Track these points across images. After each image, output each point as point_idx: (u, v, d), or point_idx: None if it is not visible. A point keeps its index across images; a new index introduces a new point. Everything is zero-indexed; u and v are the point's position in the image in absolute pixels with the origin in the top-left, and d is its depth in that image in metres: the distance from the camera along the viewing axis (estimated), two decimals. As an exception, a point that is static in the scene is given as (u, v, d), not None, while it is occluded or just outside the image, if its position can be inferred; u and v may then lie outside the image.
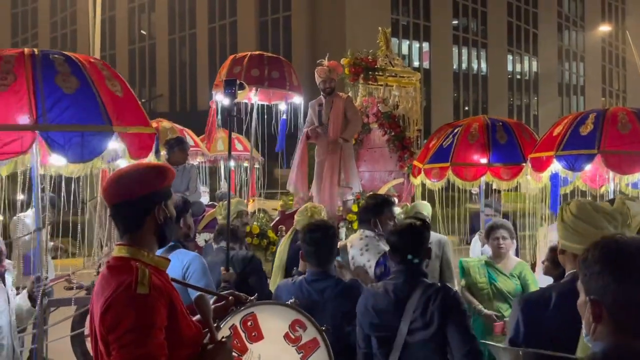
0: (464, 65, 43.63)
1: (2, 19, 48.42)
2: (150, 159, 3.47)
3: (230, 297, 2.24)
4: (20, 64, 3.17)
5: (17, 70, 3.13)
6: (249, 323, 2.41)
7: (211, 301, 2.14)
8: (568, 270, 2.12)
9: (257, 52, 6.86)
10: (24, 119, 3.06)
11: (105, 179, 6.49)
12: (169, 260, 2.06)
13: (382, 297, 2.61)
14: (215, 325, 2.02)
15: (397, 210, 6.42)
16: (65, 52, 3.49)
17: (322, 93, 6.27)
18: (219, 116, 6.58)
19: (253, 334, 2.42)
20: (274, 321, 2.49)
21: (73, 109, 3.14)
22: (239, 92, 3.32)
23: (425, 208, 4.65)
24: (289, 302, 2.67)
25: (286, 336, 2.51)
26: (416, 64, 40.50)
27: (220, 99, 6.57)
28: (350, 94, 6.93)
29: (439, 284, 2.70)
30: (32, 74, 3.13)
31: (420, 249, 2.66)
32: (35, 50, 3.41)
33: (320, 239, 2.96)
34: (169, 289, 1.86)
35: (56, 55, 3.34)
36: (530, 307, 2.05)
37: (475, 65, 44.24)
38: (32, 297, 3.45)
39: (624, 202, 2.13)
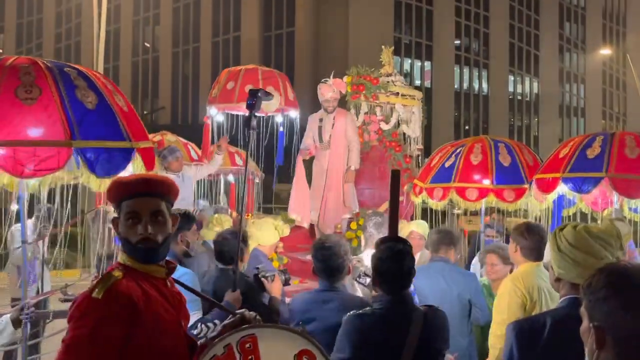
0: (466, 85, 43.86)
1: (7, 29, 48.77)
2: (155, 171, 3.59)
3: (237, 316, 2.17)
4: (41, 76, 3.15)
5: (40, 83, 3.11)
6: (246, 345, 2.07)
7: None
8: (562, 296, 2.08)
9: (252, 66, 6.79)
10: (58, 135, 3.06)
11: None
12: (165, 268, 2.03)
13: (380, 328, 2.51)
14: (206, 340, 1.98)
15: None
16: (72, 64, 3.49)
17: (323, 109, 6.29)
18: (214, 131, 6.56)
19: (249, 357, 2.06)
20: (277, 348, 2.10)
21: (98, 124, 3.19)
22: (265, 102, 3.15)
23: (421, 227, 4.61)
24: (298, 328, 2.38)
25: None
26: (418, 82, 40.72)
27: (215, 113, 6.58)
28: (352, 110, 6.93)
29: (433, 306, 2.66)
30: (56, 87, 3.13)
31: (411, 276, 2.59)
32: (45, 61, 3.40)
33: (329, 256, 2.99)
34: (148, 296, 1.85)
35: (69, 68, 3.34)
36: (524, 333, 2.01)
37: (476, 85, 44.49)
38: (17, 321, 3.40)
39: (614, 224, 2.12)
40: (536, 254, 3.23)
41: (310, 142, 6.38)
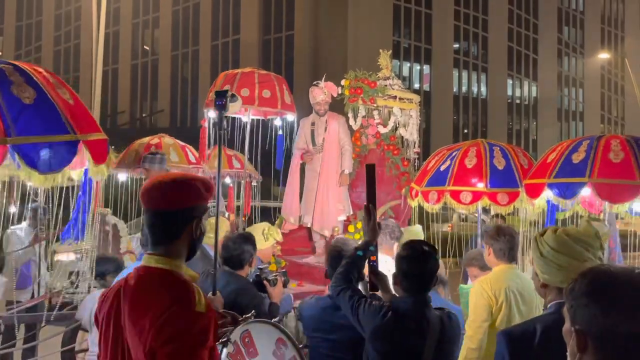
0: (464, 89, 43.94)
1: (7, 31, 48.81)
2: (105, 164, 3.46)
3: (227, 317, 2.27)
4: None
5: None
6: (246, 340, 2.60)
7: None
8: (549, 302, 2.11)
9: (249, 69, 6.77)
10: None
11: (97, 191, 6.50)
12: (199, 275, 2.09)
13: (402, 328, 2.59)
14: (222, 341, 2.17)
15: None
16: (8, 61, 3.40)
17: (314, 112, 6.34)
18: (211, 133, 6.58)
19: (250, 350, 2.60)
20: (264, 338, 2.68)
21: (37, 119, 3.10)
22: (230, 104, 3.16)
23: (417, 234, 4.65)
24: (273, 321, 2.84)
25: (274, 353, 2.71)
26: (417, 86, 40.79)
27: (212, 116, 6.59)
28: (350, 114, 6.96)
29: (445, 309, 2.72)
30: None
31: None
32: None
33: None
34: None
35: (3, 65, 3.26)
36: (515, 340, 2.02)
37: (475, 89, 44.56)
38: None
39: (591, 224, 2.15)
40: (508, 255, 3.36)
41: (303, 145, 6.41)
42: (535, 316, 2.63)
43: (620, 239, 5.28)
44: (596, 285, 1.36)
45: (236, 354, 2.53)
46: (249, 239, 3.54)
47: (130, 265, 2.88)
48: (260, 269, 3.63)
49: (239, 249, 3.44)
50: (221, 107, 3.13)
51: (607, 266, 1.43)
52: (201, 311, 1.72)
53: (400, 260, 2.66)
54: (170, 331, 1.67)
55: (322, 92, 6.24)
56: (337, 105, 7.01)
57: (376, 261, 3.01)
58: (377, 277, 2.96)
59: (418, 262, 2.61)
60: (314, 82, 6.36)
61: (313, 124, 6.36)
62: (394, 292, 2.87)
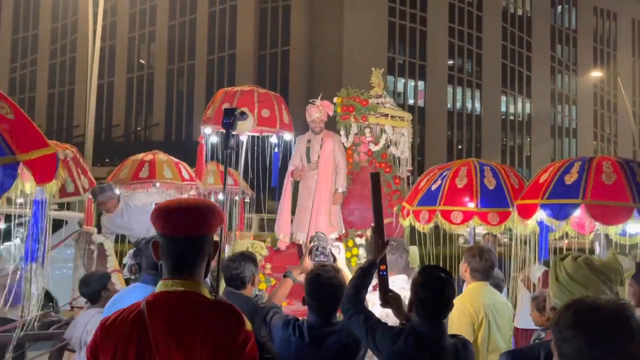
0: (459, 105, 44.21)
1: (2, 44, 48.85)
2: (54, 181, 3.20)
3: None
4: None
5: None
6: None
7: None
8: None
9: (248, 87, 6.79)
10: None
11: (89, 207, 6.46)
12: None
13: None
14: None
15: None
16: None
17: (310, 129, 6.37)
18: (208, 150, 6.58)
19: None
20: None
21: None
22: (240, 122, 3.14)
23: (413, 255, 4.63)
24: None
25: None
26: (411, 102, 41.03)
27: (209, 133, 6.60)
28: (342, 131, 6.97)
29: (459, 335, 2.66)
30: None
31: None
32: None
33: (326, 297, 2.86)
34: None
35: None
36: None
37: (469, 105, 44.84)
38: None
39: (617, 257, 2.12)
40: (485, 276, 3.57)
41: (298, 163, 6.44)
42: (537, 341, 2.61)
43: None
44: (581, 317, 1.36)
45: None
46: (250, 257, 3.42)
47: (133, 290, 2.68)
48: (257, 295, 3.57)
49: (239, 267, 3.32)
50: (229, 126, 3.07)
51: (592, 298, 1.43)
52: (249, 329, 1.77)
53: (416, 286, 2.59)
54: (227, 349, 1.70)
55: (317, 110, 6.28)
56: (329, 122, 7.03)
57: (386, 270, 2.90)
58: (389, 293, 2.86)
59: (435, 288, 2.55)
60: (310, 100, 6.39)
61: (309, 141, 6.39)
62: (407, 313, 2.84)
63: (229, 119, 3.01)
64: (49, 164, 3.19)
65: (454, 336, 2.64)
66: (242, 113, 3.13)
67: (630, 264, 4.47)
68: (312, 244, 3.58)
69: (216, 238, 1.97)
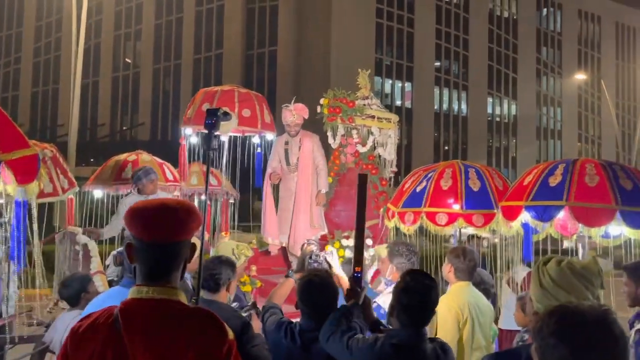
0: (445, 106, 44.44)
1: (-14, 41, 48.27)
2: (34, 182, 3.18)
3: None
4: None
5: None
6: None
7: None
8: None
9: (228, 87, 6.73)
10: None
11: (71, 208, 6.38)
12: None
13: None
14: None
15: (372, 251, 6.44)
16: None
17: (287, 133, 6.32)
18: (191, 151, 6.53)
19: None
20: None
21: None
22: (223, 123, 2.99)
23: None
24: None
25: None
26: (398, 103, 41.16)
27: (189, 134, 6.55)
28: (329, 132, 6.96)
29: (441, 341, 2.62)
30: None
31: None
32: None
33: (317, 302, 2.83)
34: None
35: None
36: None
37: (455, 107, 45.10)
38: None
39: (596, 260, 2.12)
40: (468, 276, 3.67)
41: (277, 165, 6.37)
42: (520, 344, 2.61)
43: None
44: (564, 325, 1.35)
45: None
46: (229, 262, 3.30)
47: (116, 294, 2.60)
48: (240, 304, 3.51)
49: (216, 268, 3.20)
50: (211, 127, 2.95)
51: (575, 304, 1.42)
52: (231, 338, 1.71)
53: (399, 292, 2.53)
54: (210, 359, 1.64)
55: (291, 115, 6.21)
56: (316, 124, 7.01)
57: (361, 272, 2.87)
58: (359, 291, 2.81)
59: (419, 295, 2.49)
60: (284, 105, 6.34)
61: (287, 143, 6.33)
62: (378, 319, 2.81)
63: (212, 119, 2.92)
64: (30, 165, 3.18)
65: (432, 340, 2.61)
66: (226, 113, 3.03)
67: (608, 266, 4.52)
68: (305, 249, 3.55)
69: (194, 239, 1.92)
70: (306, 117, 6.37)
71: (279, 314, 2.99)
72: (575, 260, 2.09)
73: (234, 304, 3.48)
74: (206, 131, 3.03)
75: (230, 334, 1.71)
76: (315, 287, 2.81)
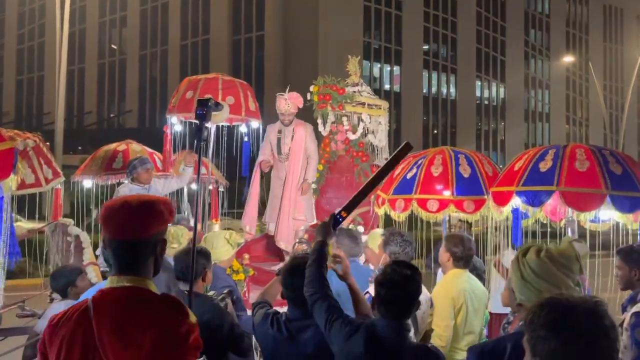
0: (434, 90, 44.45)
1: (-32, 28, 47.43)
2: (11, 176, 3.13)
3: None
4: None
5: None
6: None
7: None
8: (521, 319, 2.08)
9: (213, 75, 6.65)
10: None
11: (57, 199, 6.32)
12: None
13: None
14: None
15: (364, 238, 6.46)
16: None
17: (281, 122, 6.25)
18: (177, 140, 6.48)
19: None
20: None
21: None
22: (214, 113, 2.94)
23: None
24: None
25: None
26: (387, 86, 41.08)
27: (174, 122, 6.49)
28: (319, 120, 6.93)
29: (428, 345, 2.58)
30: None
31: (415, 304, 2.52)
32: None
33: (301, 286, 2.77)
34: None
35: None
36: (486, 357, 2.03)
37: (444, 90, 45.12)
38: None
39: (572, 245, 2.14)
40: (466, 264, 3.74)
41: (269, 153, 6.32)
42: (507, 334, 2.62)
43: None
44: (555, 317, 1.36)
45: None
46: (202, 252, 3.34)
47: (95, 287, 2.64)
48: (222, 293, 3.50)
49: (189, 260, 3.16)
50: (202, 117, 2.89)
51: (565, 297, 1.43)
52: (193, 322, 1.77)
53: (379, 284, 2.49)
54: (169, 341, 1.70)
55: (285, 103, 6.16)
56: (306, 111, 6.97)
57: (344, 218, 2.84)
58: (331, 230, 2.78)
59: (398, 287, 2.44)
60: (279, 93, 6.28)
61: (280, 131, 6.28)
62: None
63: (203, 110, 2.86)
64: (6, 159, 3.16)
65: (422, 345, 2.54)
66: (217, 104, 3.01)
67: (584, 249, 4.57)
68: (296, 248, 3.54)
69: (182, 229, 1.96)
70: (300, 106, 6.31)
71: (269, 307, 2.98)
72: (552, 247, 2.10)
73: (227, 289, 3.50)
74: (191, 120, 3.00)
75: (192, 318, 1.77)
76: (298, 269, 2.79)
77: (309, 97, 6.71)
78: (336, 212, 2.86)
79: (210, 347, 2.78)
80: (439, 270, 5.35)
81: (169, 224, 3.72)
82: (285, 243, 6.12)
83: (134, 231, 1.83)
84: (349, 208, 2.86)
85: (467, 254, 3.70)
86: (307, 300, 2.65)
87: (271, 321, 2.82)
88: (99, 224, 1.89)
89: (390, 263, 2.66)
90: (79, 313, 1.79)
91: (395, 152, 2.95)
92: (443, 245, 3.82)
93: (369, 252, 4.25)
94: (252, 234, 6.25)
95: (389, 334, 2.43)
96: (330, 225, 2.80)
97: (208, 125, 4.55)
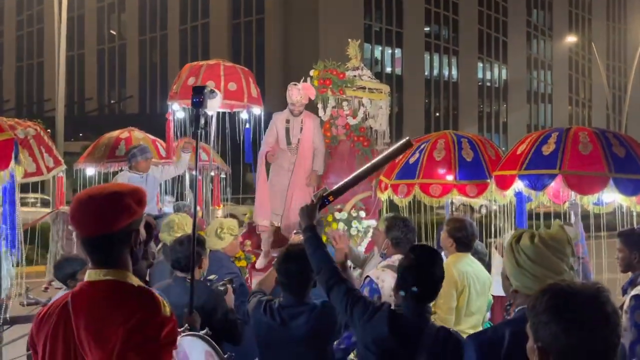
0: (436, 72, 44.19)
1: (-34, 15, 47.16)
2: (12, 166, 3.16)
3: None
4: None
5: None
6: (180, 354, 2.56)
7: None
8: (517, 305, 2.10)
9: (214, 61, 6.60)
10: None
11: (60, 187, 6.32)
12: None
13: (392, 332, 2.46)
14: None
15: (365, 223, 6.45)
16: None
17: (290, 111, 6.09)
18: (177, 127, 6.45)
19: None
20: (195, 351, 2.62)
21: None
22: (210, 100, 2.97)
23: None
24: (201, 333, 2.70)
25: None
26: (388, 69, 40.85)
27: (176, 109, 6.45)
28: (319, 104, 6.87)
29: (450, 329, 2.58)
30: None
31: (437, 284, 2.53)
32: None
33: (294, 272, 2.81)
34: None
35: None
36: (485, 346, 2.02)
37: (446, 72, 44.86)
38: None
39: (563, 229, 2.13)
40: (468, 247, 3.77)
41: (273, 141, 6.16)
42: (504, 320, 2.63)
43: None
44: (557, 302, 1.37)
45: None
46: (198, 240, 3.31)
47: None
48: (208, 279, 3.50)
49: (187, 250, 3.24)
50: (198, 105, 2.93)
51: (568, 283, 1.44)
52: (167, 315, 1.73)
53: (403, 270, 2.50)
54: (140, 336, 1.67)
55: (299, 94, 5.98)
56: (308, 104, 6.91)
57: (330, 202, 2.88)
58: (314, 214, 2.77)
59: (422, 272, 2.46)
60: (293, 83, 6.13)
61: (287, 121, 6.12)
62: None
63: (199, 97, 2.90)
64: (5, 150, 3.14)
65: (444, 328, 2.54)
66: (212, 91, 3.03)
67: (575, 232, 4.57)
68: (293, 238, 3.55)
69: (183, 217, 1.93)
70: (312, 98, 6.15)
71: (262, 296, 3.00)
72: (544, 232, 2.09)
73: (229, 276, 3.57)
74: (190, 107, 3.01)
75: (167, 311, 1.74)
76: (291, 256, 2.83)
77: (308, 82, 6.65)
78: (324, 194, 2.87)
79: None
80: (442, 254, 5.35)
81: (176, 215, 3.69)
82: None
83: (100, 227, 1.76)
84: (337, 192, 2.90)
85: (471, 237, 3.73)
86: (323, 288, 2.65)
87: (264, 308, 2.85)
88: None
89: (414, 247, 2.66)
90: (59, 309, 1.78)
91: (395, 146, 2.98)
92: (445, 230, 3.83)
93: (378, 234, 4.24)
94: (268, 227, 6.06)
95: (411, 315, 2.46)
96: (316, 208, 2.80)
97: (210, 113, 4.49)
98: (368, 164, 3.06)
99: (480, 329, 3.68)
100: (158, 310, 1.72)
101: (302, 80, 6.18)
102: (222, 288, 3.33)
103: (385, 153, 3.04)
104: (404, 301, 2.49)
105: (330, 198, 2.84)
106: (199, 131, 2.97)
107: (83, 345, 1.71)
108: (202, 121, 2.93)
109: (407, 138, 3.01)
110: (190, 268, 2.95)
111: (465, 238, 3.70)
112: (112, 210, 1.77)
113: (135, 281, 1.82)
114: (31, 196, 16.12)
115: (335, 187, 2.91)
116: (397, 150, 3.00)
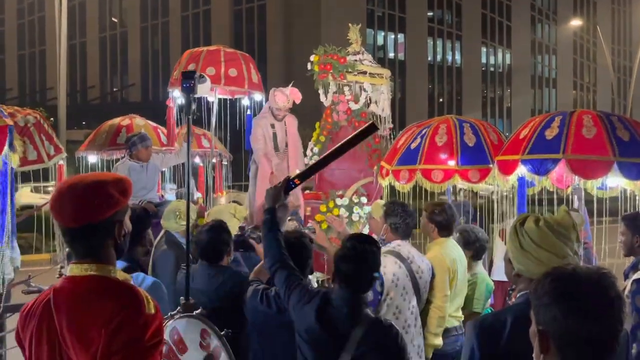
0: (439, 57, 43.89)
1: (-33, 4, 46.99)
2: (5, 152, 3.13)
3: None
4: None
5: None
6: (175, 337, 2.68)
7: None
8: (520, 290, 2.08)
9: (215, 47, 6.55)
10: None
11: (61, 175, 6.31)
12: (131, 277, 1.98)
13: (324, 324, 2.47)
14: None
15: (367, 209, 6.42)
16: None
17: (274, 116, 5.88)
18: (177, 114, 6.41)
19: (180, 346, 2.68)
20: (190, 332, 2.73)
21: None
22: (199, 85, 3.00)
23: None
24: (195, 313, 2.80)
25: (200, 345, 2.75)
26: (391, 55, 40.59)
27: (178, 95, 6.40)
28: (320, 90, 6.81)
29: (387, 320, 2.58)
30: None
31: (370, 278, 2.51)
32: None
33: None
34: None
35: None
36: (486, 332, 2.00)
37: (449, 57, 44.55)
38: None
39: (569, 214, 2.11)
40: (450, 231, 3.81)
41: (264, 146, 5.81)
42: (508, 306, 2.60)
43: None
44: (559, 286, 1.36)
45: (169, 353, 2.60)
46: (223, 228, 3.34)
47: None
48: (242, 227, 3.56)
49: (214, 239, 3.26)
50: (189, 90, 2.95)
51: (572, 267, 1.42)
52: (151, 313, 1.65)
53: (337, 259, 2.51)
54: (123, 338, 1.60)
55: (286, 100, 5.82)
56: (307, 81, 6.87)
57: (296, 185, 2.91)
58: (280, 196, 2.83)
59: (356, 262, 2.45)
60: (277, 88, 5.92)
61: (272, 126, 5.91)
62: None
63: (189, 82, 2.90)
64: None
65: (376, 319, 2.50)
66: (201, 76, 3.04)
67: (581, 219, 4.55)
68: (287, 222, 3.58)
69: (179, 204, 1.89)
70: (298, 102, 6.03)
71: (258, 284, 3.03)
72: (549, 217, 2.08)
73: (244, 224, 3.78)
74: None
75: (151, 309, 1.66)
76: (286, 243, 2.83)
77: (309, 67, 6.59)
78: (291, 177, 2.91)
79: (233, 317, 2.94)
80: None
81: (179, 202, 3.65)
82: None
83: (82, 217, 1.69)
84: (303, 176, 2.95)
85: (451, 220, 3.75)
86: (268, 272, 2.74)
87: (260, 297, 2.88)
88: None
89: (349, 237, 2.66)
90: (42, 306, 1.73)
91: (360, 129, 3.00)
92: (424, 215, 3.81)
93: (372, 222, 4.21)
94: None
95: (342, 305, 2.44)
96: (281, 190, 2.83)
97: (211, 99, 4.41)
98: (332, 148, 3.09)
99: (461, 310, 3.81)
100: (141, 309, 1.64)
101: (290, 85, 6.01)
102: (255, 236, 3.52)
103: (349, 137, 3.04)
104: (338, 291, 2.48)
105: (296, 181, 2.88)
106: (190, 117, 2.97)
107: (67, 345, 1.66)
108: (194, 106, 2.94)
109: (371, 122, 3.07)
110: (221, 258, 3.22)
111: (445, 221, 3.72)
112: (94, 200, 1.69)
113: (121, 275, 1.74)
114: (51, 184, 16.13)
115: (300, 170, 2.91)
116: (361, 133, 3.02)
